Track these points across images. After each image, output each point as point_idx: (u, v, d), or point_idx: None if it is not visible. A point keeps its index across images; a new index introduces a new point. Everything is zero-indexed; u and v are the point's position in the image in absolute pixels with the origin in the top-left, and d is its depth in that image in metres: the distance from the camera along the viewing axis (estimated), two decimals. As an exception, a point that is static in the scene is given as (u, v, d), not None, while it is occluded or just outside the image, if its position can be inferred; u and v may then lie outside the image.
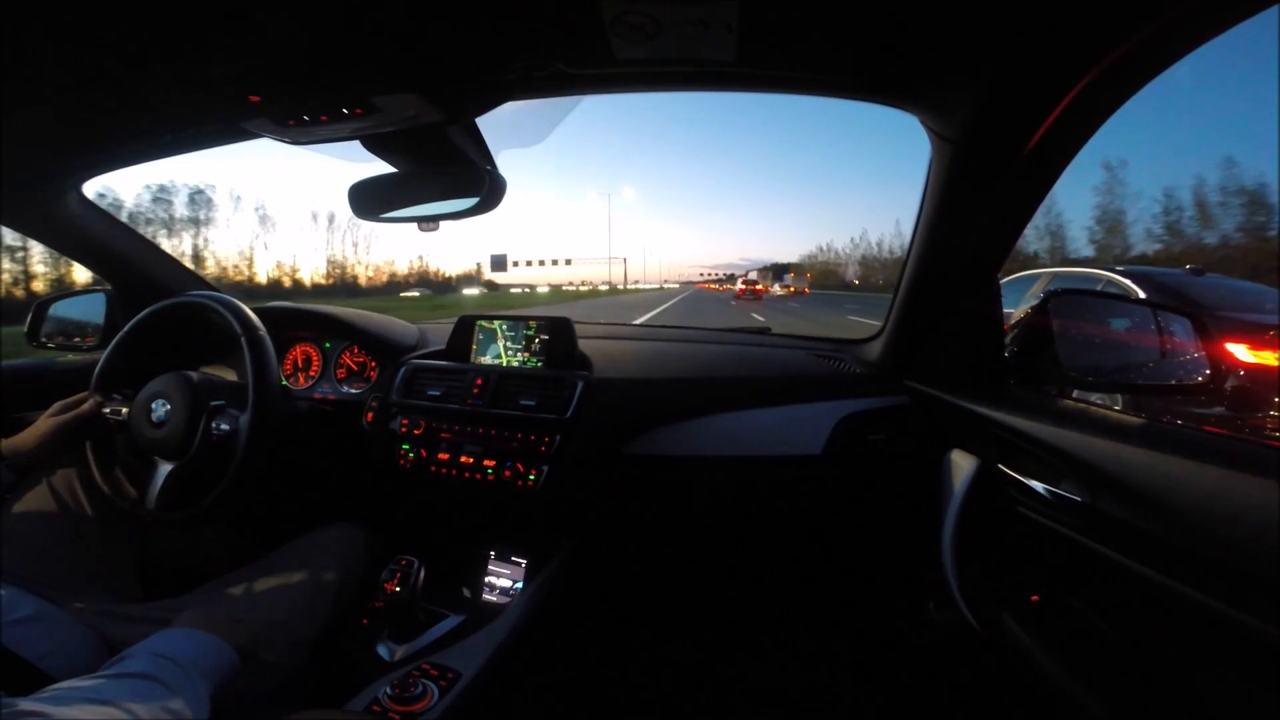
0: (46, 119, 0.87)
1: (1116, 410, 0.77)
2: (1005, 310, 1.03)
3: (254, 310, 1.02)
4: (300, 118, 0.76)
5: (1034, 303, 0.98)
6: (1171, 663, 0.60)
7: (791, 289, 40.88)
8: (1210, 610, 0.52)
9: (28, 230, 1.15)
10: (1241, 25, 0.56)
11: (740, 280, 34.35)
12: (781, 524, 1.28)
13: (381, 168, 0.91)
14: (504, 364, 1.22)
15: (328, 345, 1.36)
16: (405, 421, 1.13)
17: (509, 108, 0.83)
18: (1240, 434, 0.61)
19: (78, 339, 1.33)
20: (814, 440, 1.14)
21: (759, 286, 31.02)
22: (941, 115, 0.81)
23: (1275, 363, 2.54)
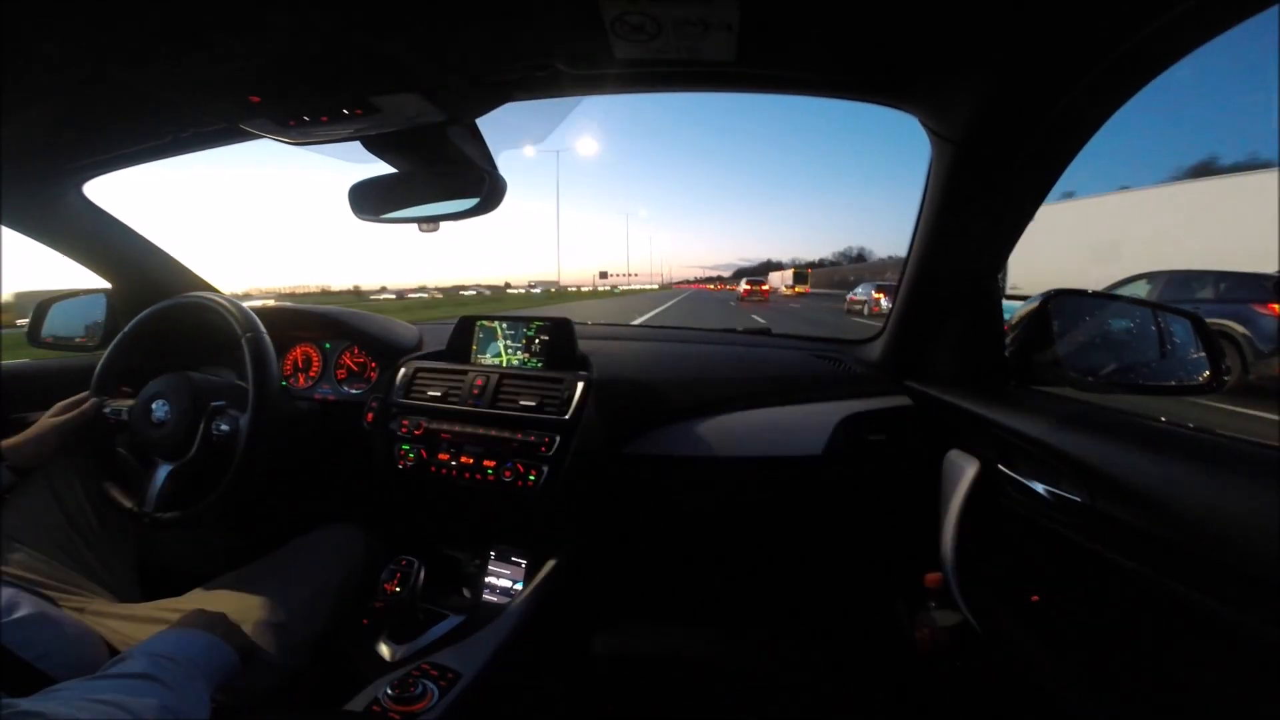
0: (46, 119, 0.87)
1: (1116, 411, 0.77)
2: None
3: (254, 310, 1.02)
4: (300, 118, 0.76)
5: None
6: (1171, 663, 0.60)
7: (795, 289, 43.01)
8: (1210, 610, 0.52)
9: (28, 230, 1.15)
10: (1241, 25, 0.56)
11: (744, 280, 34.57)
12: (782, 524, 1.28)
13: (382, 168, 0.92)
14: (504, 364, 1.22)
15: (328, 346, 1.36)
16: (405, 422, 1.12)
17: (509, 108, 0.84)
18: (1240, 434, 0.61)
19: (78, 339, 1.33)
20: (814, 441, 1.14)
21: (764, 287, 31.41)
22: (941, 115, 0.81)
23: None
